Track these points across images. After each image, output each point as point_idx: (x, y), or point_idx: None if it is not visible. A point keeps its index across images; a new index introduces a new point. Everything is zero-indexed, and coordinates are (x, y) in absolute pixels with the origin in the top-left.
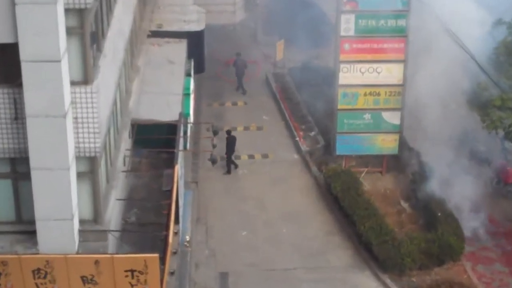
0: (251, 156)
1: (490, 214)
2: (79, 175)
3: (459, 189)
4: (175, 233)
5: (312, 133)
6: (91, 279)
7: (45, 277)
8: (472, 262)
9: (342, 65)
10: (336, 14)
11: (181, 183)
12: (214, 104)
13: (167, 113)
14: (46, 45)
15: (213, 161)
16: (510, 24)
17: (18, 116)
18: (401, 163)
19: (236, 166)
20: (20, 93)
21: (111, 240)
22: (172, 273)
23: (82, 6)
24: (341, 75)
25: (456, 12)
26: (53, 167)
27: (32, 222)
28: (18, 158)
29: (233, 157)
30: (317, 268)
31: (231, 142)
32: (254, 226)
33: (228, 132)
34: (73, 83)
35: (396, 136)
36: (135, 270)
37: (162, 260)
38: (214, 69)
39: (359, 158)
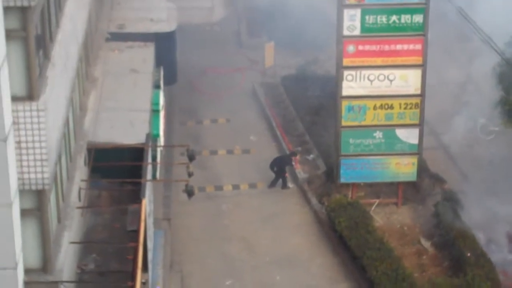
0: (236, 187)
1: None
2: (24, 213)
3: (494, 223)
4: (143, 284)
5: (311, 157)
6: None
7: None
8: None
9: (345, 72)
10: (338, 8)
11: (150, 221)
12: (189, 122)
13: (131, 135)
14: None
15: (189, 193)
16: None
17: None
18: (421, 192)
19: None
20: None
21: None
22: None
23: (25, 4)
24: (344, 84)
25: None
26: None
27: None
28: None
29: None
30: None
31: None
32: (241, 273)
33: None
34: (15, 99)
35: (414, 159)
36: None
37: None
38: (189, 79)
39: (368, 186)
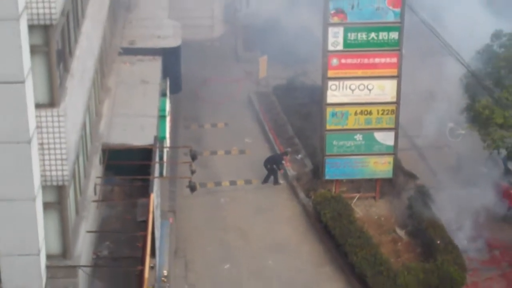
0: (233, 183)
1: (494, 241)
2: (46, 206)
3: (459, 214)
4: (151, 268)
5: (299, 156)
6: None
7: None
8: None
9: (330, 82)
10: (323, 26)
11: (157, 213)
12: (192, 126)
13: (141, 137)
14: (8, 65)
15: (192, 188)
16: (511, 36)
17: None
18: (396, 187)
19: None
20: None
21: (82, 276)
22: None
23: (48, 23)
24: (329, 93)
25: (453, 25)
26: (17, 197)
27: None
28: None
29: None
30: None
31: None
32: (238, 259)
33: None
34: (38, 106)
35: (390, 158)
36: None
37: None
38: (192, 88)
39: (350, 182)
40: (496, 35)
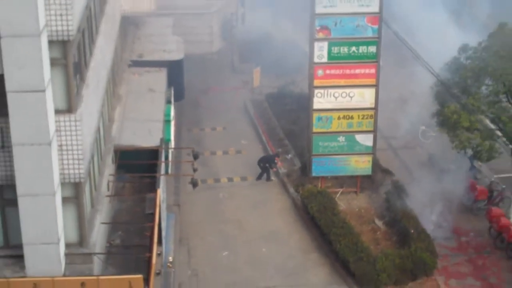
0: (230, 179)
1: (461, 230)
2: (65, 200)
3: (430, 206)
4: (158, 254)
5: (289, 156)
6: None
7: None
8: (445, 277)
9: (316, 90)
10: (310, 41)
11: (164, 206)
12: (194, 130)
13: (148, 139)
14: (30, 76)
15: (194, 185)
16: (476, 49)
17: (4, 144)
18: (375, 183)
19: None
20: (7, 122)
21: (97, 262)
22: None
23: (65, 38)
24: (315, 100)
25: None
26: (39, 193)
27: (19, 246)
28: (5, 185)
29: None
30: (296, 286)
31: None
32: (235, 246)
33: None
34: (57, 112)
35: (369, 157)
36: None
37: (146, 281)
38: (193, 96)
39: (334, 179)
40: (463, 49)
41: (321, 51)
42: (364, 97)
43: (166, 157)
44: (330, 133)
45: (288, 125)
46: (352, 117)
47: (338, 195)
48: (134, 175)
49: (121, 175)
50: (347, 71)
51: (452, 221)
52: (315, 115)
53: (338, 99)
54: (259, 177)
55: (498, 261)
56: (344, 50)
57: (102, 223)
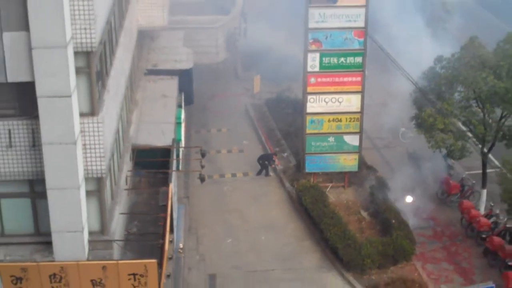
0: (233, 175)
1: (437, 220)
2: (88, 193)
3: (409, 199)
4: (170, 241)
5: (285, 154)
6: (100, 282)
7: (60, 281)
8: (422, 262)
9: (309, 96)
10: (304, 53)
11: (175, 199)
12: (201, 131)
13: (162, 139)
14: (58, 82)
15: (202, 179)
16: (449, 60)
17: (35, 143)
18: (360, 178)
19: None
20: (37, 124)
21: (116, 248)
22: (168, 276)
23: (89, 50)
24: (308, 104)
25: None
26: (66, 186)
27: (48, 234)
28: (36, 179)
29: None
30: (291, 269)
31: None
32: (238, 235)
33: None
34: (81, 115)
35: (356, 156)
36: (136, 274)
37: (160, 265)
38: (201, 101)
39: (325, 174)
40: (438, 59)
41: (313, 61)
42: (351, 102)
43: (177, 155)
44: (321, 134)
45: (284, 127)
46: (340, 120)
47: (328, 189)
48: (149, 171)
49: (137, 171)
50: (336, 79)
51: (428, 212)
52: (308, 118)
53: (328, 104)
54: (258, 173)
55: (469, 247)
56: (334, 60)
57: (121, 213)
